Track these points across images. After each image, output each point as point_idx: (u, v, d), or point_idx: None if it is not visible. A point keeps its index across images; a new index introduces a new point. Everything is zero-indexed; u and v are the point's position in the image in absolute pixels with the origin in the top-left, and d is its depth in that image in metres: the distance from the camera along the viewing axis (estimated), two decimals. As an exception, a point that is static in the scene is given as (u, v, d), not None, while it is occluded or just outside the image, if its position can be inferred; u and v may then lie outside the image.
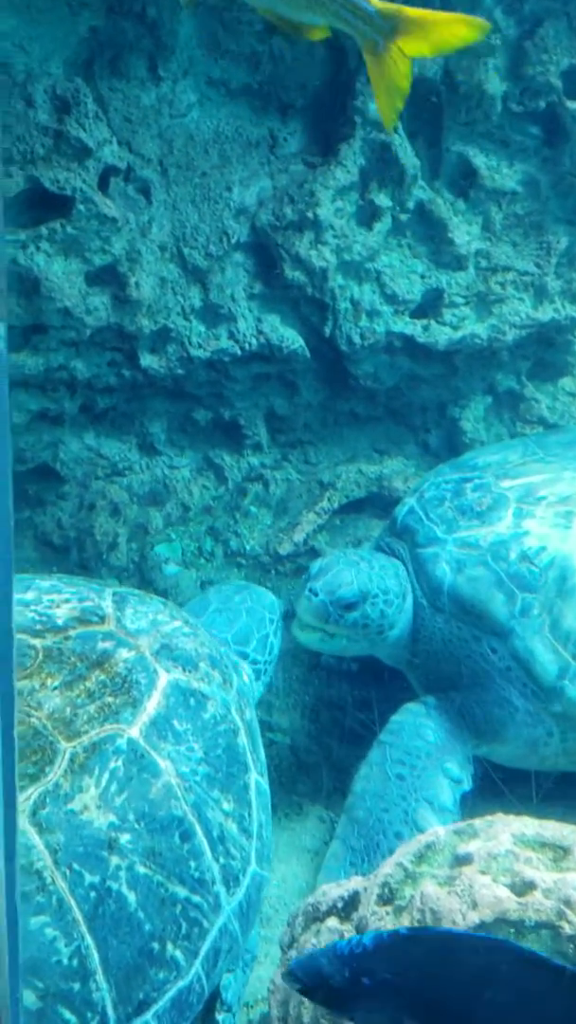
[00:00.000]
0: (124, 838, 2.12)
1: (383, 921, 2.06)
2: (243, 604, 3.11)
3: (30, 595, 2.54)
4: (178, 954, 2.13)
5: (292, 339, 3.64)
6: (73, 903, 2.02)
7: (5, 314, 0.53)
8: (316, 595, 3.11)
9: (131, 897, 2.09)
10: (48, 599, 2.53)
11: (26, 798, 2.06)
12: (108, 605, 2.57)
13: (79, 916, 2.02)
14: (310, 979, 1.74)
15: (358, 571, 3.16)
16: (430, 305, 3.75)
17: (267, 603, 3.16)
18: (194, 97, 3.40)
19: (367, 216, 3.58)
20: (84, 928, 2.02)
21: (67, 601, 2.54)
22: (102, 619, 2.51)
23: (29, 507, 3.71)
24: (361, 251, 3.56)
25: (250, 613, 3.07)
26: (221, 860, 2.28)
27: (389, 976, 1.70)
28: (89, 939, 2.02)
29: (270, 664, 3.04)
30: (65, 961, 1.99)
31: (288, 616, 3.31)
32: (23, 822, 2.04)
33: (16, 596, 2.52)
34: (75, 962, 1.99)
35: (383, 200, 3.56)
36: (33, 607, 2.49)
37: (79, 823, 2.09)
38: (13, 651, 0.66)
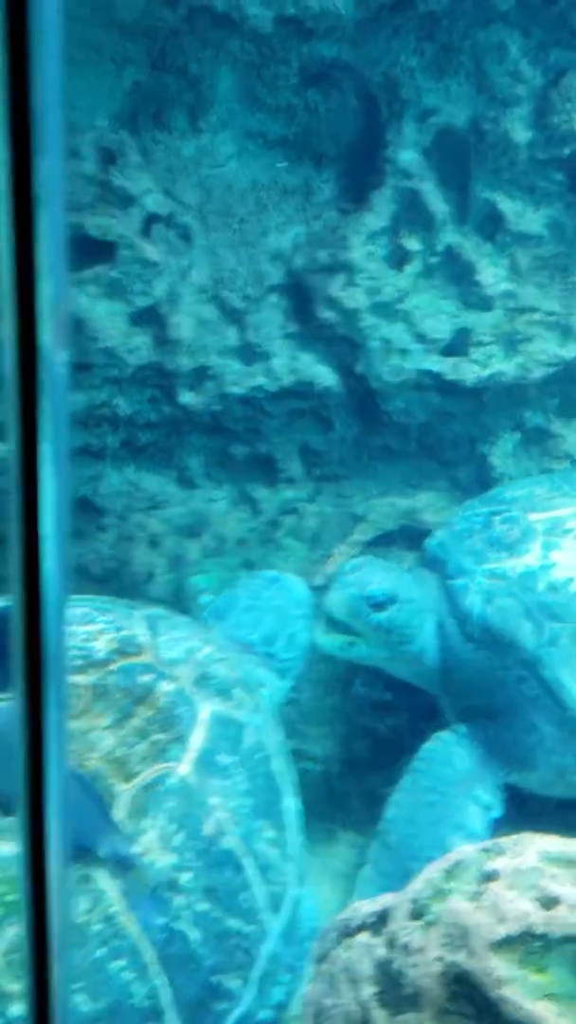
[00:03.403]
0: (185, 877, 2.21)
1: (412, 935, 2.14)
2: (271, 601, 3.13)
3: None
4: (234, 984, 2.23)
5: (325, 376, 3.75)
6: (144, 946, 2.12)
7: (66, 342, 0.64)
8: (347, 588, 3.19)
9: (194, 935, 2.19)
10: (84, 631, 2.56)
11: None
12: (143, 633, 2.62)
13: (150, 958, 2.12)
14: None
15: (389, 574, 3.25)
16: (459, 344, 3.86)
17: (295, 596, 3.19)
18: (233, 148, 3.55)
19: (398, 259, 3.71)
20: (155, 969, 2.12)
21: (103, 632, 2.57)
22: (139, 649, 2.57)
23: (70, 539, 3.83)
24: (392, 292, 3.68)
25: (277, 611, 3.11)
26: (266, 887, 2.36)
27: None
28: (160, 979, 2.12)
29: (298, 660, 3.07)
30: (140, 1003, 2.09)
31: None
32: (95, 868, 2.13)
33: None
34: (148, 1002, 2.10)
35: (413, 244, 3.69)
36: (72, 640, 2.56)
37: (144, 866, 2.18)
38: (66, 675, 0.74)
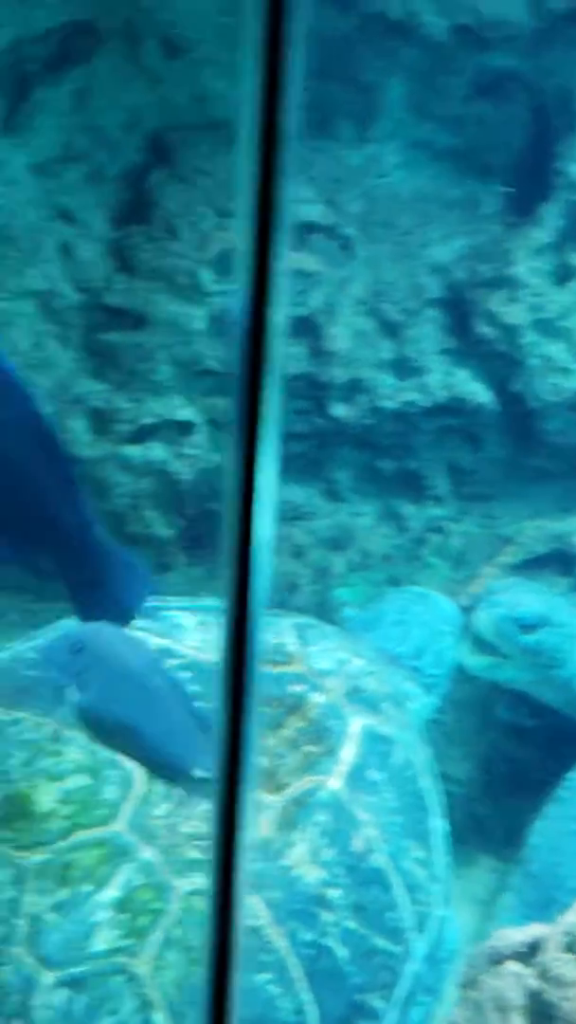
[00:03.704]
0: (334, 893, 2.18)
1: (566, 968, 2.07)
2: (420, 616, 3.09)
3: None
4: (378, 1004, 2.19)
5: (480, 393, 3.69)
6: (292, 961, 2.09)
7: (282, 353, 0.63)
8: (496, 607, 3.12)
9: (341, 952, 2.15)
10: None
11: None
12: (292, 642, 2.61)
13: (298, 974, 2.09)
14: None
15: (540, 596, 3.17)
16: (622, 364, 3.76)
17: (444, 613, 3.13)
18: (399, 158, 3.53)
19: (563, 275, 3.63)
20: (303, 985, 2.10)
21: None
22: (289, 658, 2.54)
23: (214, 546, 3.84)
24: (555, 309, 3.61)
25: (425, 626, 3.06)
26: (413, 907, 2.31)
27: None
28: (307, 995, 2.09)
29: (444, 677, 3.02)
30: (286, 1018, 2.06)
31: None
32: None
33: (200, 634, 2.56)
34: (295, 1018, 2.08)
35: (579, 260, 3.61)
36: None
37: (292, 879, 2.16)
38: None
